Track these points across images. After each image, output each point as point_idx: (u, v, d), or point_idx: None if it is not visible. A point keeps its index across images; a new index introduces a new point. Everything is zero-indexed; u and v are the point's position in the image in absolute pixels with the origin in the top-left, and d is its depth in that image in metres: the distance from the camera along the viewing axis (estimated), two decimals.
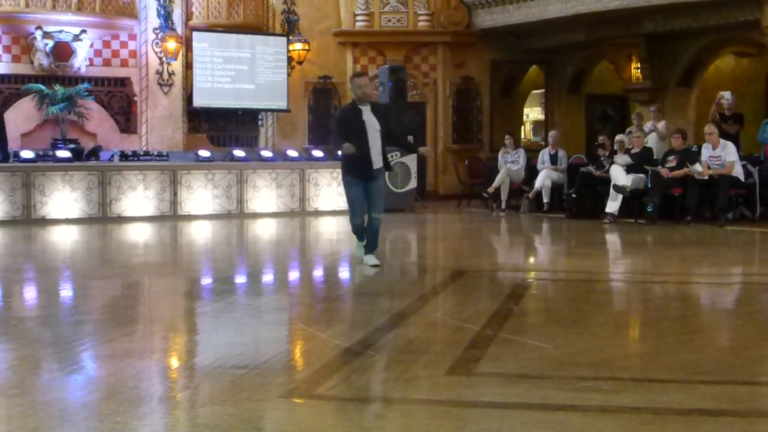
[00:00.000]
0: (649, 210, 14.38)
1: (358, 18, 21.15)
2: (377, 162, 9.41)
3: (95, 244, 12.98)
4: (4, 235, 13.35)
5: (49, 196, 14.99)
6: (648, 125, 17.15)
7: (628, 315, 7.58)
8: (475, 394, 4.81)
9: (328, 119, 20.70)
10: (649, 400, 4.63)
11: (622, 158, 15.23)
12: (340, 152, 9.64)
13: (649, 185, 14.60)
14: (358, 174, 9.45)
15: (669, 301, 8.29)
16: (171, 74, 19.80)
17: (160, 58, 19.70)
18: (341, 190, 16.85)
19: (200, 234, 14.14)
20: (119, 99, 19.91)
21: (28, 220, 14.79)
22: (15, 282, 9.29)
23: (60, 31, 18.82)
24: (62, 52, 18.96)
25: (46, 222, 14.81)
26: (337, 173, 16.84)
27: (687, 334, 6.42)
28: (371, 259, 9.65)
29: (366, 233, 9.74)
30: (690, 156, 14.64)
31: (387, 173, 10.09)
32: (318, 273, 10.06)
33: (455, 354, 5.59)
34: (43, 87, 18.46)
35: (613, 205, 14.84)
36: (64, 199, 15.09)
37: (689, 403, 4.60)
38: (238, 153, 17.29)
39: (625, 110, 22.35)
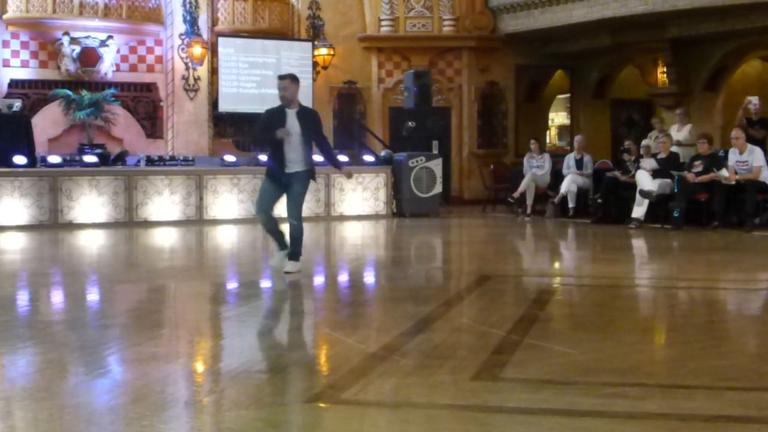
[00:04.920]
0: (675, 215, 14.31)
1: (383, 23, 21.17)
2: (291, 167, 9.25)
3: (121, 249, 13.05)
4: (32, 240, 13.44)
5: (76, 201, 15.08)
6: (674, 128, 17.05)
7: (654, 321, 7.53)
8: (501, 400, 4.79)
9: (353, 124, 20.74)
10: (676, 407, 4.60)
11: (649, 163, 15.16)
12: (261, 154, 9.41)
13: (676, 190, 14.52)
14: (274, 174, 9.35)
15: (695, 306, 8.25)
16: (197, 79, 19.89)
17: (186, 64, 19.79)
18: (366, 195, 17.07)
19: (226, 238, 14.19)
20: (145, 104, 20.01)
21: (55, 224, 14.89)
22: (42, 286, 9.34)
23: (87, 37, 18.95)
24: (89, 57, 19.09)
25: (73, 226, 14.90)
26: (362, 178, 16.93)
27: (714, 340, 6.38)
28: (286, 265, 9.39)
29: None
30: (716, 161, 14.56)
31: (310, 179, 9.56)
32: (343, 277, 10.06)
33: (481, 359, 5.58)
34: (69, 92, 18.58)
35: (639, 210, 14.77)
36: (90, 204, 15.18)
37: (716, 410, 4.57)
38: (264, 158, 17.31)
39: (651, 115, 22.22)
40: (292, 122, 9.24)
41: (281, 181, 9.27)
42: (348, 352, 5.90)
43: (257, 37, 20.03)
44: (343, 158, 17.63)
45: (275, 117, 9.35)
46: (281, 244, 9.45)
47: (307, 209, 16.53)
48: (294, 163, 9.24)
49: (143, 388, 4.92)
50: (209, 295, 8.75)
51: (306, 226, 15.48)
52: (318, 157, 17.43)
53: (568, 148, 21.36)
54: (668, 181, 14.69)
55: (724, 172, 14.20)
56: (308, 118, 9.41)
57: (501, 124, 22.10)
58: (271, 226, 9.43)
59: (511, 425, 4.41)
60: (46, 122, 18.65)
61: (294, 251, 9.41)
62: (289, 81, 9.38)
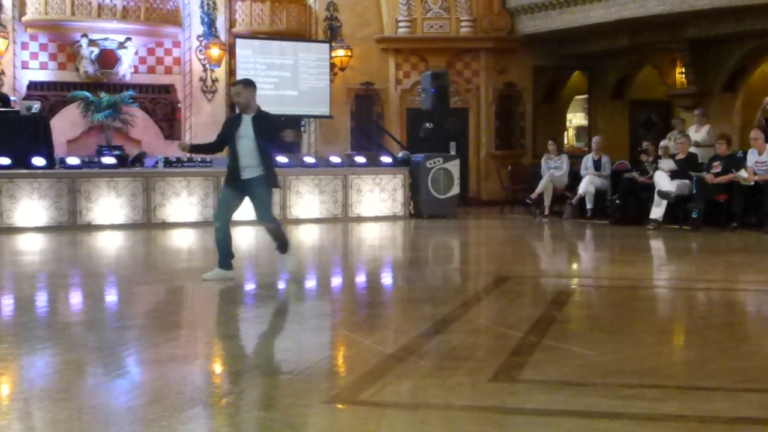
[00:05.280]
0: (693, 216, 14.26)
1: (401, 24, 21.17)
2: (247, 173, 9.09)
3: (140, 250, 13.09)
4: (51, 241, 13.49)
5: (95, 202, 15.14)
6: (692, 129, 17.00)
7: (673, 322, 7.51)
8: (519, 401, 4.78)
9: (370, 125, 20.75)
10: (695, 408, 4.59)
11: (667, 164, 15.10)
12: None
13: (694, 191, 14.47)
14: (229, 181, 9.26)
15: (714, 308, 8.21)
16: (214, 81, 19.95)
17: (204, 65, 19.85)
18: (384, 196, 17.09)
19: (244, 240, 14.18)
20: (163, 106, 20.08)
21: (74, 225, 14.94)
22: (61, 287, 9.38)
23: (105, 39, 19.03)
24: (107, 59, 19.18)
25: (91, 228, 14.95)
26: (380, 179, 16.94)
27: (732, 341, 6.35)
28: (286, 263, 9.48)
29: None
30: (735, 162, 14.50)
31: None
32: (360, 279, 10.06)
33: (498, 361, 5.57)
34: (88, 94, 18.66)
35: (657, 211, 14.72)
36: (109, 205, 15.24)
37: (735, 412, 4.55)
38: (281, 159, 17.33)
39: (669, 116, 22.15)
40: (246, 127, 9.09)
41: (237, 187, 9.16)
42: (365, 354, 5.91)
43: (275, 39, 20.05)
44: (360, 159, 17.69)
45: (232, 123, 9.30)
46: (223, 260, 9.29)
47: (324, 210, 16.67)
48: (249, 168, 9.09)
49: (162, 389, 4.94)
50: (227, 297, 8.76)
51: (324, 227, 15.61)
52: (335, 158, 17.55)
53: (586, 149, 21.30)
54: (687, 182, 14.65)
55: (743, 173, 14.14)
56: (264, 123, 9.20)
57: (519, 125, 22.07)
58: (222, 236, 9.28)
59: (529, 427, 4.40)
60: (65, 124, 18.74)
61: (281, 245, 9.42)
62: (241, 86, 9.28)
